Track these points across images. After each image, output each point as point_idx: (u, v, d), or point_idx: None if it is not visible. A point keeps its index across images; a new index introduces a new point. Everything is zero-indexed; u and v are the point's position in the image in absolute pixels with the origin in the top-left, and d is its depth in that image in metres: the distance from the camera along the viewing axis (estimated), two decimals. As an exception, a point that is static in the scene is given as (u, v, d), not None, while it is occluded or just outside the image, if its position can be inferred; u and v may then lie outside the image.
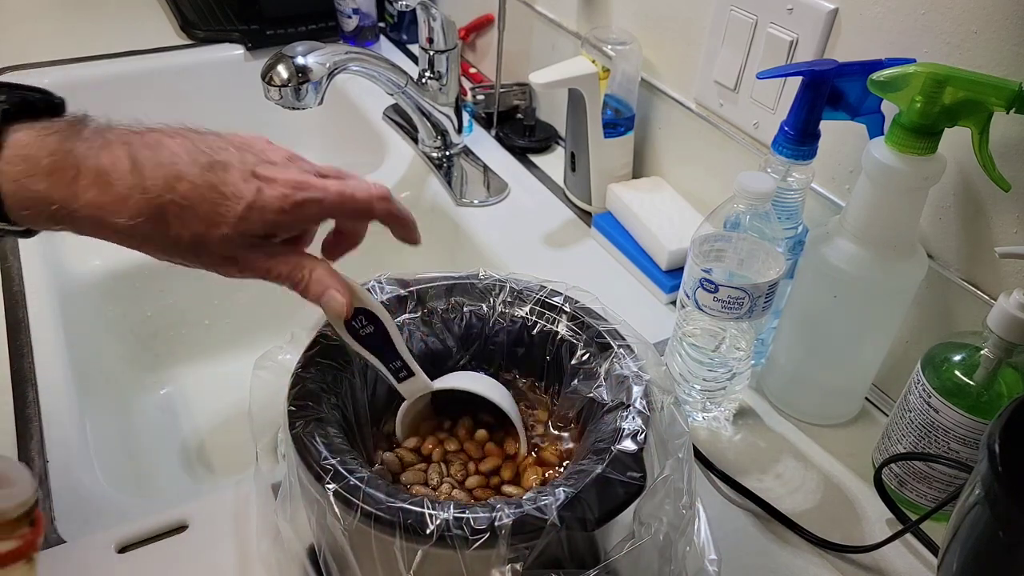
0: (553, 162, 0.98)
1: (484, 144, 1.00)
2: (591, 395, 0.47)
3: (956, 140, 0.54)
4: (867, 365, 0.62)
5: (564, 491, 0.39)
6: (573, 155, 0.87)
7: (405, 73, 0.87)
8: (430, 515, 0.37)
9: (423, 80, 0.92)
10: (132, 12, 1.24)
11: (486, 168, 0.95)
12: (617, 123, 0.84)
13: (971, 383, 0.52)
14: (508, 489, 0.46)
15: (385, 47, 1.24)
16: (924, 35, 0.57)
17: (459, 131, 0.96)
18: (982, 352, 0.51)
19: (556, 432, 0.50)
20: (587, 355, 0.49)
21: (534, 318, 0.51)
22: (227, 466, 0.78)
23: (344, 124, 1.11)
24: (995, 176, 0.52)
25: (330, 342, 0.47)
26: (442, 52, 0.90)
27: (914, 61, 0.55)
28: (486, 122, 1.03)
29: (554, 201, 0.91)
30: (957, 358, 0.53)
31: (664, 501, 0.42)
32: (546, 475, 0.47)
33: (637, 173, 0.89)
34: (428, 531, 0.37)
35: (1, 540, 0.38)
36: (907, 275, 0.56)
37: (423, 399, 0.49)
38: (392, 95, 0.90)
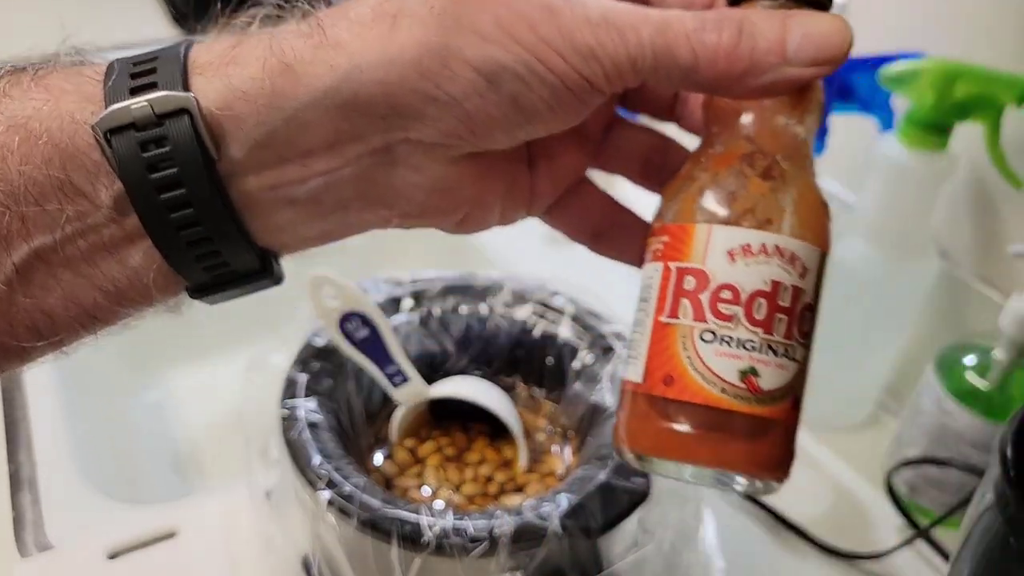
0: (554, 160, 0.97)
1: (484, 142, 0.99)
2: (594, 399, 0.46)
3: (968, 136, 0.53)
4: (878, 367, 0.61)
5: (566, 498, 0.38)
6: (574, 153, 0.86)
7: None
8: (427, 523, 0.37)
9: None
10: (123, 4, 1.23)
11: (486, 166, 0.94)
12: (619, 120, 0.83)
13: (984, 385, 0.51)
14: (507, 496, 0.46)
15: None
16: (935, 29, 0.56)
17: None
18: (995, 353, 0.50)
19: (557, 438, 0.50)
20: (590, 358, 0.48)
21: (535, 319, 0.50)
22: (219, 471, 0.77)
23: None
24: (1007, 172, 0.51)
25: (324, 345, 0.46)
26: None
27: (925, 55, 0.54)
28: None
29: (555, 200, 0.90)
30: (970, 360, 0.52)
31: (669, 508, 0.41)
32: (547, 482, 0.47)
33: (639, 171, 0.88)
34: (425, 539, 0.36)
35: None
36: (918, 274, 0.56)
37: (420, 404, 0.48)
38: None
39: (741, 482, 0.26)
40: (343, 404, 0.46)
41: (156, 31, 1.15)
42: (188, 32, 1.14)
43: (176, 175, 0.23)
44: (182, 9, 1.17)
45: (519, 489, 0.46)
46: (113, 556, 0.50)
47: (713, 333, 0.24)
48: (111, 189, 0.23)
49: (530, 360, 0.51)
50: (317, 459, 0.40)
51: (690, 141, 0.29)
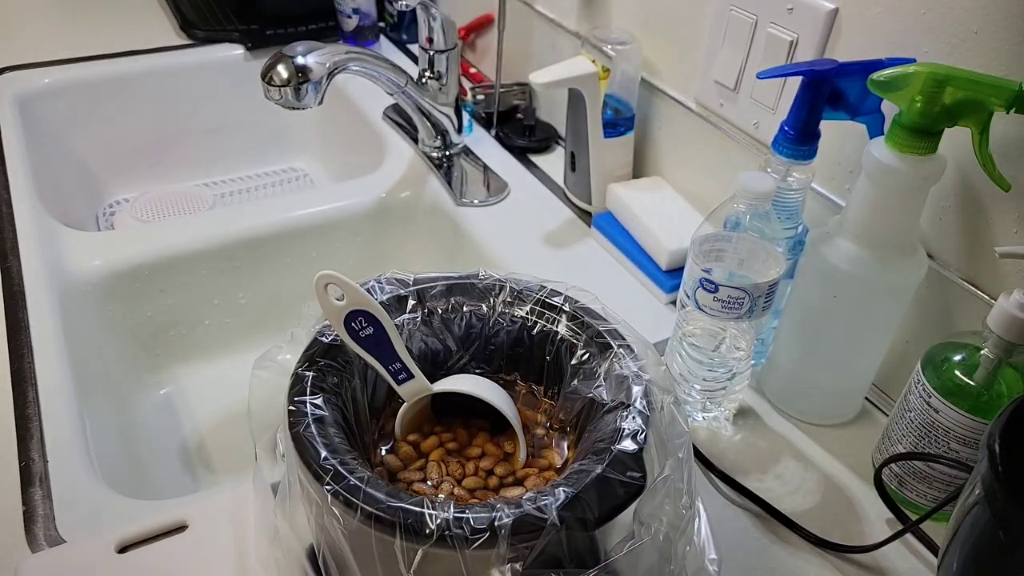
0: (553, 162, 0.98)
1: (484, 144, 1.00)
2: (591, 395, 0.47)
3: (956, 140, 0.54)
4: (867, 365, 0.62)
5: (564, 491, 0.39)
6: (573, 155, 0.86)
7: (405, 73, 0.87)
8: (430, 515, 0.37)
9: (423, 80, 0.92)
10: (131, 12, 1.24)
11: (486, 168, 0.95)
12: (617, 123, 0.84)
13: (971, 383, 0.52)
14: (507, 489, 0.46)
15: (385, 47, 1.23)
16: (924, 35, 0.57)
17: (459, 131, 0.96)
18: (982, 352, 0.51)
19: (556, 432, 0.50)
20: (587, 355, 0.49)
21: (534, 318, 0.51)
22: (227, 466, 0.78)
23: (344, 124, 1.11)
24: (995, 176, 0.51)
25: (330, 342, 0.47)
26: (442, 52, 0.90)
27: (914, 61, 0.55)
28: (486, 122, 1.03)
29: (554, 201, 0.91)
30: (957, 358, 0.53)
31: (664, 501, 0.42)
32: (545, 476, 0.47)
33: (637, 173, 0.89)
34: (428, 531, 0.37)
35: None
36: (907, 275, 0.56)
37: (423, 400, 0.49)
38: (392, 95, 0.90)
39: None
40: (348, 400, 0.47)
41: (164, 39, 1.16)
42: (195, 40, 1.15)
43: None
44: (189, 17, 1.18)
45: (519, 482, 0.47)
46: (122, 550, 0.51)
47: None
48: None
49: (529, 357, 0.52)
50: (323, 453, 0.40)
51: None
